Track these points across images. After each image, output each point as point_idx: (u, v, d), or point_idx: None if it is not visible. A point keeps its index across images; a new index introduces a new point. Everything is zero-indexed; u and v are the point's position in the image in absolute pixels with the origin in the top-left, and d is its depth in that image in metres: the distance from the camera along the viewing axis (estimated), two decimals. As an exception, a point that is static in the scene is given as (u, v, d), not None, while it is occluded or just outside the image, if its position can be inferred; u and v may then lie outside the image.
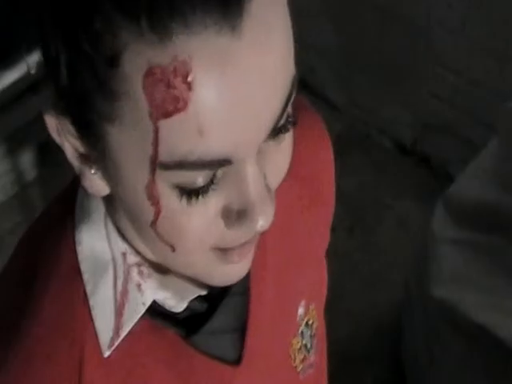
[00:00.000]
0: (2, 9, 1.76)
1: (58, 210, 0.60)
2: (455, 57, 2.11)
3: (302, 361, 0.72)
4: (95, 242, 0.56)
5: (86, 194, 0.57)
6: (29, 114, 1.87)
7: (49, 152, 2.12)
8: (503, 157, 1.56)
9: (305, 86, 2.42)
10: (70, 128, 0.47)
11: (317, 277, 0.77)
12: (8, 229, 2.15)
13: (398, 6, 2.15)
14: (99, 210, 0.57)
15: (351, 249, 2.17)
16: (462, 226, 1.58)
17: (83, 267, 0.56)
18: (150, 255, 0.57)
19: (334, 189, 0.76)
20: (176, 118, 0.41)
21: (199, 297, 0.59)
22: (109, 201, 0.56)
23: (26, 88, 1.86)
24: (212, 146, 0.42)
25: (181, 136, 0.42)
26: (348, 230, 2.21)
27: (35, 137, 2.03)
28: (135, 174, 0.46)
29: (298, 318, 0.71)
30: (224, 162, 0.44)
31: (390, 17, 2.19)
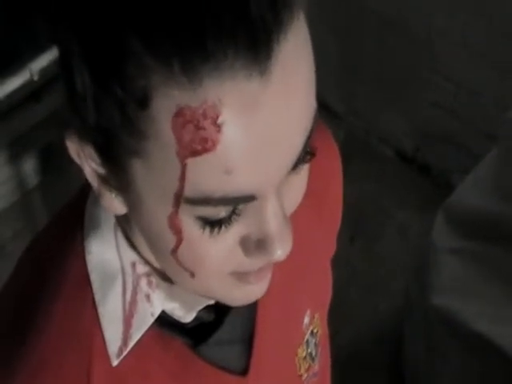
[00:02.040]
0: (4, 17, 1.77)
1: (67, 219, 0.60)
2: (455, 66, 2.11)
3: (307, 369, 0.72)
4: (105, 251, 0.56)
5: (96, 204, 0.57)
6: (31, 120, 1.87)
7: (51, 159, 2.12)
8: (503, 166, 1.56)
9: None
10: (93, 155, 0.47)
11: (322, 286, 0.77)
12: (10, 236, 2.14)
13: (398, 16, 2.15)
14: (109, 219, 0.57)
15: (352, 257, 2.17)
16: (461, 235, 1.59)
17: (93, 276, 0.56)
18: (160, 266, 0.57)
19: (341, 200, 0.76)
20: (204, 158, 0.41)
21: (207, 306, 0.59)
22: None
23: (28, 95, 1.86)
24: (238, 184, 0.43)
25: (208, 174, 0.42)
26: (349, 238, 2.21)
27: (37, 143, 2.03)
28: (158, 205, 0.46)
29: (303, 327, 0.71)
30: (248, 199, 0.45)
31: (390, 26, 2.19)
